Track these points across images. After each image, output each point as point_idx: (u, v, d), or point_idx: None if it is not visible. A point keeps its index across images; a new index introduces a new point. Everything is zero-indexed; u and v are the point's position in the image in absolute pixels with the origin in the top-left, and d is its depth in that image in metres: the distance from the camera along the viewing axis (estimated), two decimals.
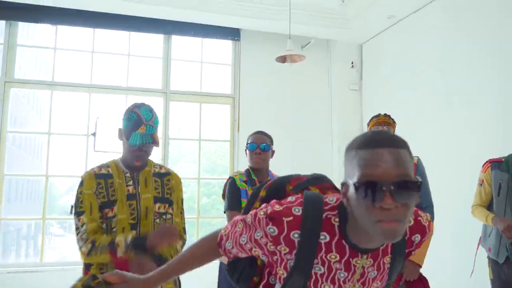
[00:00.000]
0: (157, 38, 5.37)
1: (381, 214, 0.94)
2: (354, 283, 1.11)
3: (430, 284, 2.73)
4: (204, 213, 5.70)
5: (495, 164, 2.78)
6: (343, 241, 1.06)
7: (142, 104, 1.98)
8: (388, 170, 0.94)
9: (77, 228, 1.86)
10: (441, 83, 4.18)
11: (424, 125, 4.37)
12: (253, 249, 1.14)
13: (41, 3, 4.67)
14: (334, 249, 1.07)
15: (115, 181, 1.94)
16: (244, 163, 5.18)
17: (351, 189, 0.98)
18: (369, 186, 0.94)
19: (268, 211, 1.07)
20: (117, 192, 1.91)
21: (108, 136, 4.16)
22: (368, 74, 5.51)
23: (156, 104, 5.27)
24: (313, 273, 1.07)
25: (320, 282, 1.09)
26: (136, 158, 1.94)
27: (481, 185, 2.84)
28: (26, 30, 5.17)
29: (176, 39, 5.42)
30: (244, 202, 2.54)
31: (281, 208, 1.07)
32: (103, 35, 5.30)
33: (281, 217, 1.06)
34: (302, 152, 5.30)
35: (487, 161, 2.86)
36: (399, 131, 4.66)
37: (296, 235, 1.05)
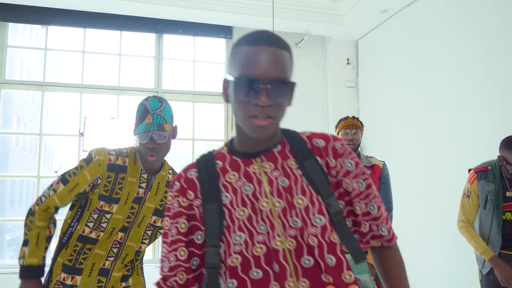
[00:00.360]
0: (149, 37, 5.31)
1: (255, 110, 0.97)
2: (270, 199, 1.02)
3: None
4: None
5: (480, 174, 2.61)
6: (233, 157, 1.08)
7: (153, 97, 1.81)
8: (267, 69, 0.97)
9: (50, 186, 1.71)
10: (440, 79, 4.07)
11: (423, 121, 4.27)
12: (179, 228, 1.06)
13: (31, 4, 4.63)
14: (229, 169, 1.06)
15: (127, 178, 1.75)
16: None
17: (231, 85, 1.00)
18: (247, 83, 0.96)
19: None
20: (124, 191, 1.73)
21: (97, 135, 4.09)
22: (364, 71, 5.41)
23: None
24: (224, 207, 1.03)
25: (233, 211, 1.02)
26: (149, 152, 1.72)
27: (468, 196, 2.65)
28: (16, 31, 5.12)
29: (168, 38, 5.35)
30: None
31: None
32: (94, 35, 5.25)
33: (180, 173, 1.11)
34: None
35: (471, 170, 2.69)
36: (399, 127, 4.59)
37: (192, 172, 1.08)
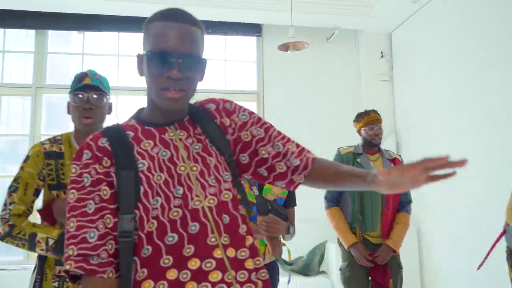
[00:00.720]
0: None
1: (167, 82, 1.02)
2: (187, 163, 1.06)
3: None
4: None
5: None
6: (146, 127, 1.10)
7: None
8: (179, 44, 1.02)
9: (4, 205, 1.67)
10: (478, 69, 3.87)
11: (461, 115, 4.07)
12: (102, 195, 1.00)
13: (68, 11, 4.81)
14: (143, 138, 1.07)
15: (65, 162, 1.72)
16: None
17: (145, 59, 1.05)
18: (159, 56, 1.02)
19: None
20: (67, 175, 1.65)
21: None
22: (399, 64, 5.24)
23: None
24: (140, 173, 1.02)
25: (151, 177, 1.02)
26: (84, 113, 1.70)
27: None
28: (55, 38, 5.35)
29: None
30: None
31: None
32: (127, 38, 5.39)
33: (85, 142, 1.06)
34: (332, 149, 5.11)
35: None
36: (437, 121, 4.39)
37: (103, 141, 1.05)
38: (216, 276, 0.99)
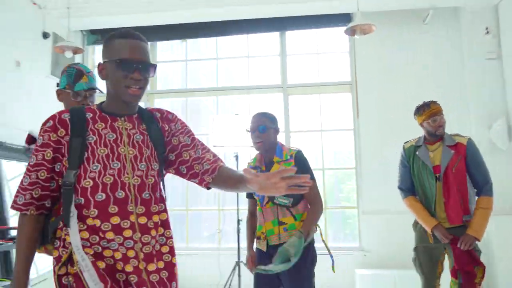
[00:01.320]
0: (273, 36, 5.57)
1: (130, 82, 1.42)
2: (126, 147, 1.45)
3: None
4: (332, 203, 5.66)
5: None
6: (103, 114, 1.48)
7: (78, 63, 2.05)
8: (139, 55, 1.44)
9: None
10: None
11: None
12: (45, 155, 1.40)
13: (172, 22, 5.30)
14: (98, 120, 1.46)
15: None
16: (366, 150, 5.03)
17: (111, 65, 1.42)
18: (126, 63, 1.41)
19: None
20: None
21: (223, 132, 4.48)
22: (507, 39, 4.77)
23: (275, 99, 5.48)
24: (88, 143, 1.41)
25: (96, 148, 1.41)
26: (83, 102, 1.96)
27: None
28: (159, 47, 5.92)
29: (290, 34, 5.54)
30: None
31: None
32: (224, 42, 5.74)
33: (54, 114, 1.45)
34: None
35: None
36: None
37: (66, 115, 1.44)
38: (127, 233, 1.38)
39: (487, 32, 4.89)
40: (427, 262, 2.95)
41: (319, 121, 5.36)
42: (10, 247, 3.53)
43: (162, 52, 5.92)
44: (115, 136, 1.45)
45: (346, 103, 5.30)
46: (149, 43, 5.30)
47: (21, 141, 4.08)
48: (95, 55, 5.93)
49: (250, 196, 2.71)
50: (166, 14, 5.10)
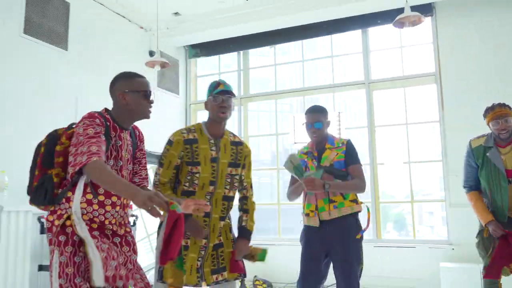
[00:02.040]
0: (356, 34, 5.72)
1: (149, 106, 2.10)
2: (125, 152, 2.08)
3: None
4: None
5: None
6: (115, 124, 2.05)
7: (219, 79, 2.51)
8: (150, 88, 2.13)
9: (155, 174, 2.37)
10: None
11: None
12: (101, 134, 1.93)
13: (262, 31, 5.79)
14: (112, 129, 2.02)
15: (200, 146, 2.34)
16: (452, 141, 4.88)
17: (132, 94, 2.06)
18: (146, 93, 2.09)
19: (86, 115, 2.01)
20: (201, 155, 2.32)
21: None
22: None
23: (359, 95, 5.62)
24: (111, 145, 2.00)
25: (111, 150, 2.01)
26: (221, 110, 2.33)
27: None
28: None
29: (373, 31, 5.63)
30: (305, 172, 2.70)
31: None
32: (309, 44, 6.04)
33: (96, 114, 2.01)
34: None
35: None
36: None
37: (103, 119, 1.99)
38: (118, 207, 2.02)
39: None
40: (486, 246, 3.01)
41: (404, 115, 5.35)
42: None
43: (254, 57, 6.45)
44: (120, 143, 2.05)
45: (431, 95, 5.21)
46: (241, 51, 5.92)
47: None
48: (197, 67, 6.71)
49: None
50: (253, 24, 5.60)
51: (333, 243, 2.70)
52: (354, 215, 2.74)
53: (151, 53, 5.59)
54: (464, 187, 3.18)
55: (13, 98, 3.94)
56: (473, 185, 3.11)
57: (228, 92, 2.36)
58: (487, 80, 4.83)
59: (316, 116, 2.82)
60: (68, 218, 1.90)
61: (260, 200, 4.88)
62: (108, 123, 2.00)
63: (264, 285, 5.32)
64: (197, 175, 2.32)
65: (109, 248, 1.89)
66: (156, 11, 4.92)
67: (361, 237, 2.74)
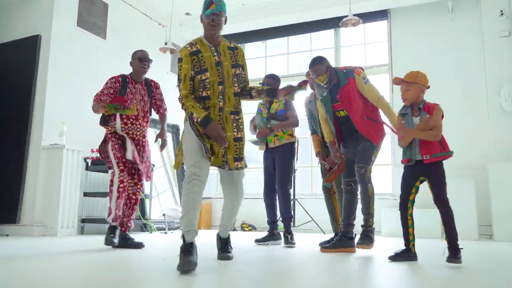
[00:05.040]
0: (329, 33, 7.14)
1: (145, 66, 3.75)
2: (137, 95, 3.68)
3: None
4: None
5: None
6: (132, 80, 3.67)
7: None
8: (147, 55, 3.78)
9: (179, 90, 2.62)
10: None
11: None
12: (112, 89, 3.55)
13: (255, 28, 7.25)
14: (130, 83, 3.65)
15: (204, 54, 2.58)
16: None
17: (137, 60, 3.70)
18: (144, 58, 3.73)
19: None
20: (207, 62, 2.55)
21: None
22: None
23: None
24: (128, 90, 3.62)
25: (129, 93, 3.62)
26: (212, 28, 2.57)
27: None
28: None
29: (344, 31, 7.06)
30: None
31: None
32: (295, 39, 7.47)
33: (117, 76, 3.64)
34: (457, 104, 5.96)
35: None
36: None
37: (119, 79, 3.61)
38: (136, 124, 3.65)
39: (502, 14, 5.84)
40: None
41: None
42: None
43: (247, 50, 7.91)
44: (134, 90, 3.63)
45: (384, 83, 6.64)
46: (240, 45, 7.37)
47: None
48: None
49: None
50: (249, 22, 7.07)
51: (276, 160, 4.13)
52: (291, 144, 4.15)
53: (166, 44, 7.08)
54: None
55: (68, 72, 5.45)
56: None
57: (219, 12, 2.59)
58: (427, 70, 6.16)
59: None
60: (114, 132, 3.59)
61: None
62: (127, 79, 3.60)
63: (249, 228, 6.80)
64: (207, 81, 2.55)
65: (132, 144, 3.56)
66: (171, 11, 6.43)
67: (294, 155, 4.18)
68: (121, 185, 3.47)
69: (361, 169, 3.27)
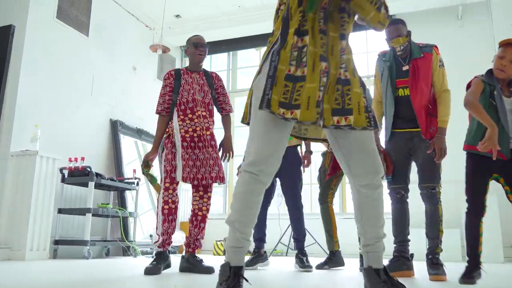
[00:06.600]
0: None
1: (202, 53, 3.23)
2: (195, 85, 3.11)
3: None
4: None
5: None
6: (188, 71, 3.16)
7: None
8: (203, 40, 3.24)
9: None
10: None
11: None
12: (168, 87, 3.09)
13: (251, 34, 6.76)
14: (185, 75, 3.14)
15: (186, 80, 3.20)
16: None
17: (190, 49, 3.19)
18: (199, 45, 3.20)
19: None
20: (307, 26, 1.69)
21: None
22: None
23: None
24: (183, 82, 3.10)
25: (184, 85, 3.10)
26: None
27: None
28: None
29: None
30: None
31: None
32: None
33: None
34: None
35: None
36: None
37: (172, 72, 3.14)
38: (199, 118, 3.07)
39: None
40: None
41: None
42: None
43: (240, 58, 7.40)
44: (191, 80, 3.11)
45: None
46: (230, 52, 6.92)
47: (133, 123, 5.79)
48: None
49: None
50: (243, 27, 6.57)
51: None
52: (295, 147, 3.56)
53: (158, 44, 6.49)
54: None
55: (45, 68, 4.74)
56: None
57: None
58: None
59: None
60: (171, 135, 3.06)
61: None
62: (182, 71, 3.13)
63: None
64: (304, 49, 1.58)
65: (189, 157, 2.94)
66: (161, 13, 5.86)
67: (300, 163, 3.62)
68: (166, 207, 2.93)
69: (433, 189, 2.72)
